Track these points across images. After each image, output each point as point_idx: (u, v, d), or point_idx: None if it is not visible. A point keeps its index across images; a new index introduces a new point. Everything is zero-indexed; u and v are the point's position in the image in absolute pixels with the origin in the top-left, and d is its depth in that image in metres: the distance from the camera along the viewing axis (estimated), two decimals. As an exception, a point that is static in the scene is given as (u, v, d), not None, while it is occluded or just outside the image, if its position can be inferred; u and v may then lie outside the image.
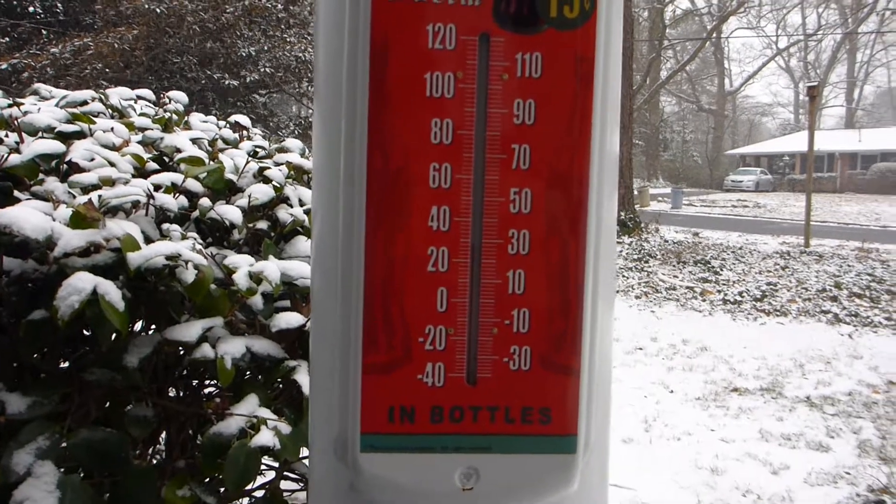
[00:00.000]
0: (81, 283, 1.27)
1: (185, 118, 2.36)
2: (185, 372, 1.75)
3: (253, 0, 15.72)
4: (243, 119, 2.50)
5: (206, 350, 1.45)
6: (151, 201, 1.60)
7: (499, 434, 0.68)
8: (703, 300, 9.40)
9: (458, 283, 0.66)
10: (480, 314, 0.67)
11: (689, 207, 29.33)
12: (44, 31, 17.34)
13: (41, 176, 1.58)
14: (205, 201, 1.71)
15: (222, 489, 1.61)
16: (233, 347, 1.47)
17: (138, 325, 1.69)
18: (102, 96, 2.14)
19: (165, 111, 2.37)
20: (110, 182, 1.56)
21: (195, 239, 1.58)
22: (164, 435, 1.78)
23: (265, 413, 1.48)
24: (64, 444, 1.31)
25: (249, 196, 1.78)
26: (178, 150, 1.86)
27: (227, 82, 15.77)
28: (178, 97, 2.51)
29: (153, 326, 1.67)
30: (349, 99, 0.66)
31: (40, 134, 1.68)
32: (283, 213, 1.83)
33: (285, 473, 1.84)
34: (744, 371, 6.28)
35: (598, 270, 0.70)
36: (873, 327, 7.88)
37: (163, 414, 1.65)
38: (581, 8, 0.65)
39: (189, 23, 15.12)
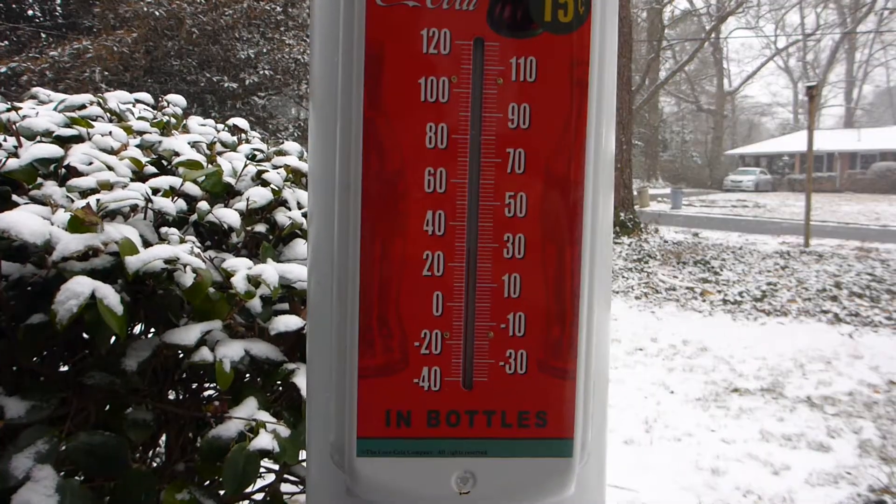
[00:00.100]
0: (80, 287, 1.27)
1: (184, 121, 2.36)
2: (184, 375, 1.75)
3: (252, 3, 15.73)
4: (242, 122, 2.50)
5: (204, 353, 1.45)
6: (150, 205, 1.60)
7: (495, 438, 0.68)
8: (704, 300, 9.40)
9: (454, 288, 0.66)
10: (476, 318, 0.67)
11: (689, 208, 29.33)
12: (43, 35, 17.35)
13: (39, 180, 1.58)
14: (203, 205, 1.71)
15: (222, 492, 1.61)
16: (231, 351, 1.47)
17: (137, 329, 1.69)
18: (100, 100, 2.15)
19: (164, 114, 2.38)
20: (108, 186, 1.56)
21: (193, 242, 1.58)
22: (164, 438, 1.78)
23: (264, 416, 1.48)
24: (63, 448, 1.31)
25: (248, 199, 1.78)
26: (177, 154, 1.86)
27: (226, 85, 15.77)
28: (177, 100, 2.51)
29: (152, 330, 1.67)
30: (344, 103, 0.66)
31: (38, 138, 1.68)
32: (282, 217, 1.84)
33: (285, 476, 1.84)
34: (744, 371, 6.28)
35: (594, 273, 0.70)
36: (873, 327, 7.88)
37: (162, 417, 1.65)
38: (576, 12, 0.65)
39: (188, 25, 15.12)
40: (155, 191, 1.66)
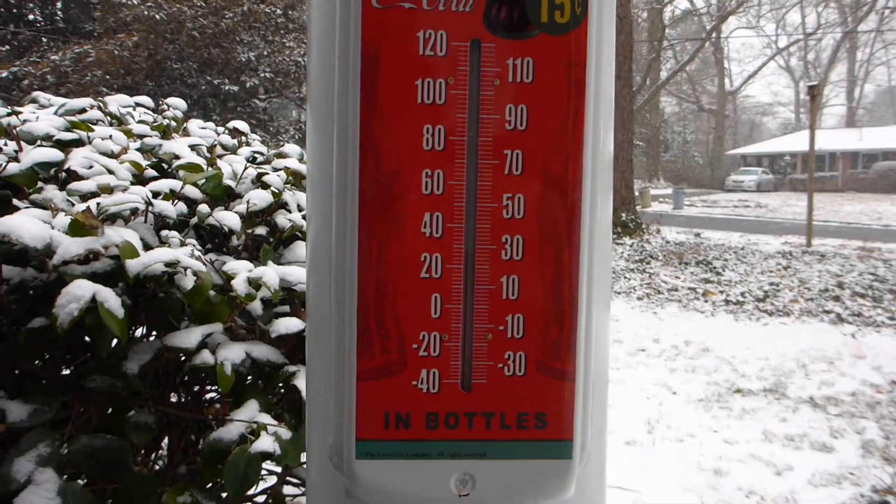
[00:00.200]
0: (80, 290, 1.28)
1: (184, 124, 2.36)
2: (185, 378, 1.75)
3: (252, 5, 15.76)
4: (242, 125, 2.50)
5: (205, 356, 1.46)
6: (150, 208, 1.60)
7: (494, 440, 0.68)
8: (706, 301, 9.39)
9: (452, 290, 0.66)
10: (475, 320, 0.67)
11: (691, 208, 29.31)
12: (44, 39, 17.39)
13: (40, 184, 1.58)
14: (203, 207, 1.71)
15: (224, 494, 1.61)
16: (232, 353, 1.47)
17: (139, 333, 1.69)
18: (101, 104, 2.15)
19: (164, 118, 2.38)
20: (109, 189, 1.57)
21: (194, 245, 1.58)
22: (166, 441, 1.78)
23: (265, 418, 1.48)
24: (65, 452, 1.31)
25: (248, 202, 1.78)
26: (177, 157, 1.87)
27: (227, 88, 15.80)
28: (177, 104, 2.51)
29: (153, 333, 1.67)
30: (341, 106, 0.66)
31: (39, 142, 1.68)
32: (282, 219, 1.84)
33: (287, 479, 1.84)
34: (746, 372, 6.27)
35: (592, 274, 0.70)
36: (876, 327, 7.87)
37: (164, 420, 1.65)
38: (572, 13, 0.65)
39: (189, 29, 15.16)
40: (155, 194, 1.66)
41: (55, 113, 1.95)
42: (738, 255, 13.35)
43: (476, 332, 0.67)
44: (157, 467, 1.84)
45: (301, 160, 2.16)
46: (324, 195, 0.70)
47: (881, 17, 51.14)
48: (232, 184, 1.86)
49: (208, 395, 1.87)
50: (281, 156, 2.19)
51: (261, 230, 1.81)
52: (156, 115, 2.44)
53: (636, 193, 20.96)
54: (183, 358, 1.58)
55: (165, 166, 1.91)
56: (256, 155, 2.21)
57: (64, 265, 1.33)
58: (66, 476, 1.31)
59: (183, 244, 1.57)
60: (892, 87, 68.53)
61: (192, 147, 2.01)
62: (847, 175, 45.05)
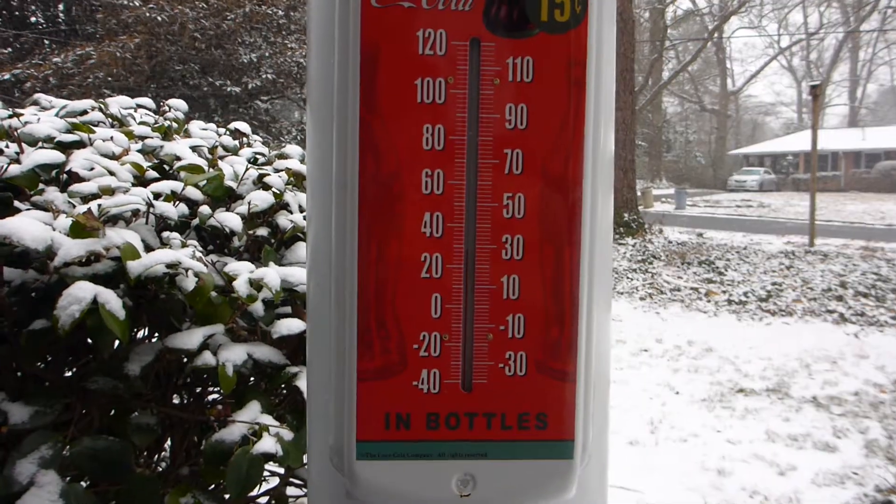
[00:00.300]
0: (82, 292, 1.28)
1: (185, 126, 2.37)
2: (187, 379, 1.75)
3: (253, 6, 15.77)
4: (243, 126, 2.50)
5: (207, 357, 1.45)
6: (151, 209, 1.60)
7: (495, 440, 0.68)
8: (708, 301, 9.38)
9: (452, 290, 0.66)
10: (475, 320, 0.67)
11: (693, 208, 29.28)
12: (46, 41, 17.43)
13: (41, 186, 1.58)
14: (205, 209, 1.71)
15: (226, 496, 1.61)
16: (234, 354, 1.47)
17: (140, 334, 1.69)
18: (102, 105, 2.15)
19: (165, 119, 2.38)
20: (110, 191, 1.57)
21: (195, 246, 1.58)
22: (168, 442, 1.78)
23: (267, 420, 1.48)
24: (67, 453, 1.31)
25: (249, 203, 1.78)
26: (178, 158, 1.87)
27: (229, 89, 15.81)
28: (178, 105, 2.51)
29: (155, 335, 1.67)
30: (340, 106, 0.66)
31: (40, 144, 1.68)
32: (283, 220, 1.84)
33: (290, 479, 1.84)
34: (749, 372, 6.26)
35: (593, 274, 0.69)
36: (879, 326, 7.85)
37: (166, 421, 1.65)
38: (572, 11, 0.65)
39: (190, 30, 15.17)
40: (156, 195, 1.66)
41: (56, 115, 1.95)
42: (741, 255, 13.33)
43: (477, 332, 0.67)
44: (159, 469, 1.84)
45: (302, 161, 2.16)
46: (324, 195, 0.70)
47: (884, 16, 51.04)
48: (233, 185, 1.86)
49: (210, 397, 1.87)
50: (282, 157, 2.19)
51: (262, 231, 1.81)
52: (157, 117, 2.44)
53: (638, 194, 20.94)
54: (185, 359, 1.58)
55: (167, 168, 1.91)
56: (258, 156, 2.21)
57: (65, 267, 1.33)
58: (68, 478, 1.30)
59: (184, 245, 1.57)
60: (895, 86, 68.41)
61: (194, 148, 2.01)
62: (850, 175, 44.97)
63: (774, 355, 6.76)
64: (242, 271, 1.53)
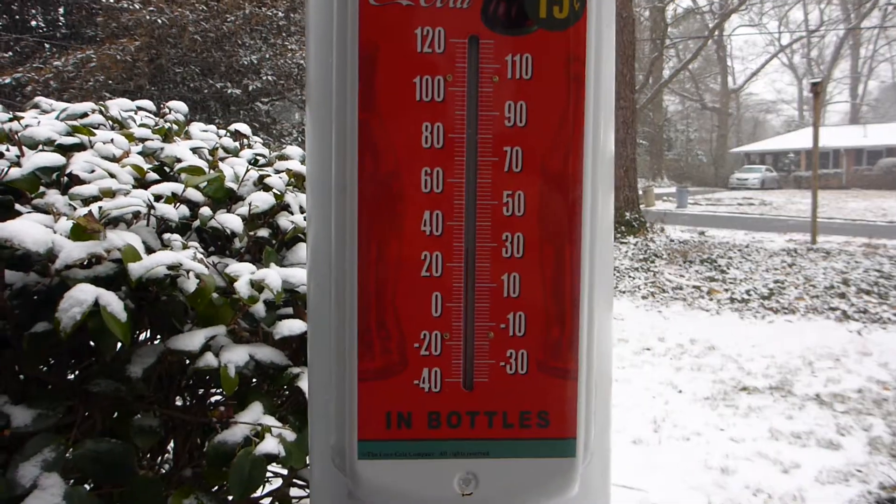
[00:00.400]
0: (83, 294, 1.28)
1: (186, 128, 2.37)
2: (190, 381, 1.75)
3: (253, 8, 15.78)
4: (243, 127, 2.50)
5: (209, 359, 1.45)
6: (152, 211, 1.60)
7: (497, 439, 0.68)
8: (711, 299, 9.37)
9: (453, 288, 0.66)
10: (476, 318, 0.67)
11: (695, 206, 29.25)
12: (46, 45, 17.45)
13: (42, 189, 1.58)
14: (205, 210, 1.71)
15: (230, 497, 1.61)
16: (236, 356, 1.47)
17: (142, 336, 1.69)
18: (102, 108, 2.15)
19: (166, 121, 2.38)
20: (111, 193, 1.57)
21: (196, 248, 1.58)
22: (171, 444, 1.78)
23: (270, 420, 1.48)
24: (70, 456, 1.31)
25: (250, 204, 1.78)
26: (179, 160, 1.87)
27: (229, 91, 15.82)
28: (178, 107, 2.51)
29: (157, 336, 1.67)
30: (339, 104, 0.66)
31: (40, 147, 1.68)
32: (284, 221, 1.83)
33: (293, 480, 1.84)
34: (752, 370, 6.26)
35: (594, 272, 0.69)
36: (882, 324, 7.84)
37: (169, 423, 1.65)
38: (571, 8, 0.65)
39: (190, 32, 15.18)
40: (157, 197, 1.66)
41: (57, 118, 1.96)
42: (743, 253, 13.32)
43: (477, 331, 0.67)
44: (162, 471, 1.84)
45: (303, 162, 2.16)
46: (323, 195, 0.70)
47: (884, 13, 50.98)
48: (234, 186, 1.86)
49: (212, 398, 1.87)
50: (283, 158, 2.19)
51: (263, 232, 1.81)
52: (157, 119, 2.44)
53: (640, 192, 20.92)
54: (187, 361, 1.57)
55: (167, 169, 1.91)
56: (258, 157, 2.21)
57: (66, 269, 1.33)
58: (71, 480, 1.30)
59: (185, 247, 1.57)
60: (896, 82, 68.31)
61: (194, 150, 2.01)
62: (851, 172, 44.93)
63: (777, 353, 6.75)
64: (244, 272, 1.53)
